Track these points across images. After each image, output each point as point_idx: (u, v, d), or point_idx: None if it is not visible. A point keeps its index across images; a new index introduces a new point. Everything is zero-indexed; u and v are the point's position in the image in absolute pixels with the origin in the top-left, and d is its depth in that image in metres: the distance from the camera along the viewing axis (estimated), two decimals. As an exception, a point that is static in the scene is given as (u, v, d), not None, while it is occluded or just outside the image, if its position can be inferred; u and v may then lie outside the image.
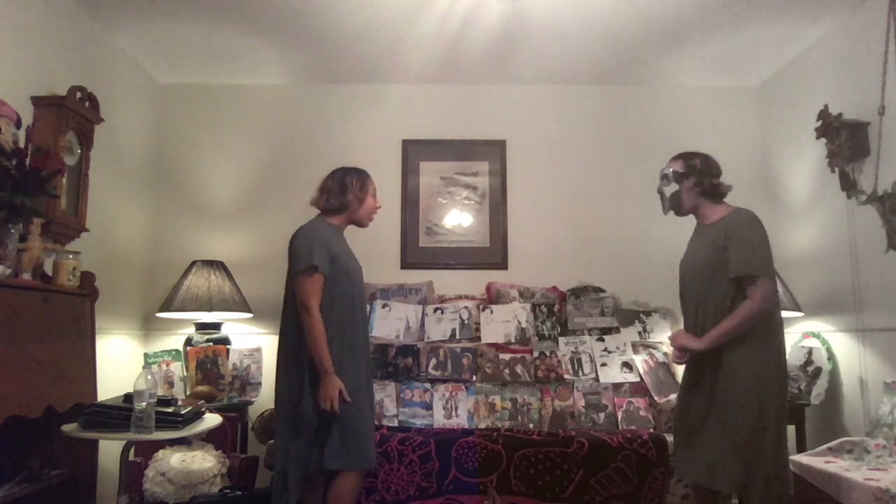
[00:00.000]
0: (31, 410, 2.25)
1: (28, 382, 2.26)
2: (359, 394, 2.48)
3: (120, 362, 3.48)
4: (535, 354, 3.40)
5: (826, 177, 3.30)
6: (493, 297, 3.72)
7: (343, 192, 2.60)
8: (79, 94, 2.93)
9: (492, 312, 3.58)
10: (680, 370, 2.71)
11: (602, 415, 3.21)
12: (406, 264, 3.97)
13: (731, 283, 2.26)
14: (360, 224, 2.70)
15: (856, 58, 3.15)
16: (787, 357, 3.39)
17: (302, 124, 4.08)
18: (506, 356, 3.39)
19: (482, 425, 3.15)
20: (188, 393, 3.36)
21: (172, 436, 2.34)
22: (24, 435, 2.48)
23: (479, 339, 3.51)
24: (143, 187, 3.86)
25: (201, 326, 3.58)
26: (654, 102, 4.10)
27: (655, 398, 3.24)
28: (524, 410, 3.22)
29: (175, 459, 2.80)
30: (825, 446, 2.67)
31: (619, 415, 3.20)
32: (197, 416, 2.45)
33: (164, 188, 4.00)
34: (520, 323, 3.53)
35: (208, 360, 3.44)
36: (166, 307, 3.51)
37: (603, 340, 3.48)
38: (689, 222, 2.56)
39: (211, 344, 3.50)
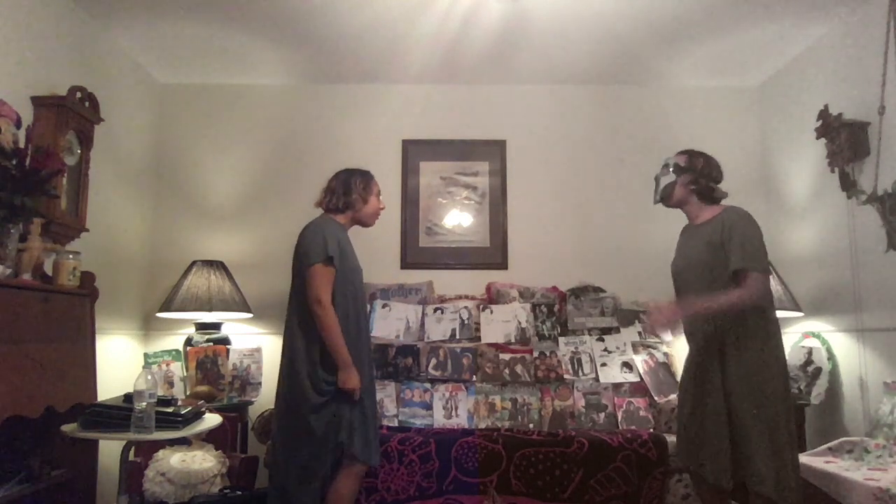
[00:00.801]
0: (31, 410, 2.25)
1: (28, 382, 2.26)
2: (368, 390, 2.49)
3: (120, 362, 3.48)
4: (535, 354, 3.41)
5: (826, 177, 3.30)
6: (493, 297, 3.72)
7: (347, 192, 2.62)
8: (79, 94, 2.93)
9: (492, 312, 3.58)
10: (680, 370, 2.70)
11: (602, 415, 3.21)
12: (406, 264, 3.97)
13: (729, 280, 2.26)
14: (365, 224, 2.72)
15: (856, 58, 3.15)
16: (787, 357, 3.40)
17: (302, 124, 4.08)
18: (506, 356, 3.39)
19: (482, 425, 3.15)
20: (188, 393, 3.36)
21: (172, 436, 2.34)
22: (24, 435, 2.49)
23: (479, 339, 3.51)
24: (143, 187, 3.86)
25: (201, 326, 3.58)
26: (654, 102, 4.10)
27: (655, 398, 3.24)
28: (524, 410, 3.22)
29: (175, 459, 2.80)
30: (825, 446, 2.68)
31: (619, 415, 3.20)
32: (197, 416, 2.45)
33: (164, 188, 4.00)
34: (520, 323, 3.53)
35: (208, 360, 3.44)
36: (166, 307, 3.51)
37: (603, 340, 3.48)
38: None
39: (211, 344, 3.50)
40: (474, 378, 3.33)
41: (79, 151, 2.99)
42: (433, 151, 4.07)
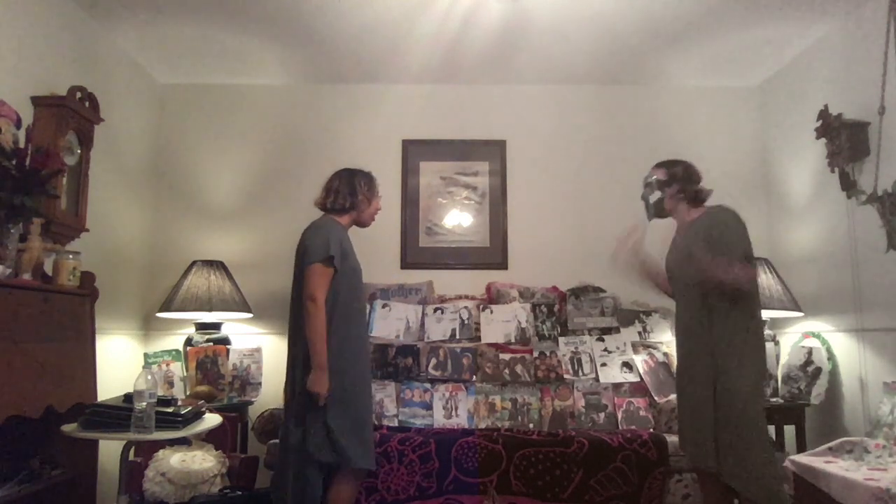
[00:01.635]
0: (31, 410, 2.25)
1: (28, 382, 2.26)
2: (364, 392, 2.49)
3: (120, 362, 3.48)
4: (535, 354, 3.40)
5: (826, 177, 3.30)
6: (493, 297, 3.72)
7: (353, 193, 2.63)
8: (79, 94, 2.93)
9: (492, 312, 3.58)
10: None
11: (602, 415, 3.21)
12: (406, 264, 3.97)
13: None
14: (363, 225, 2.73)
15: (856, 58, 3.15)
16: (788, 357, 3.41)
17: (302, 124, 4.08)
18: (506, 356, 3.39)
19: (482, 425, 3.15)
20: (188, 393, 3.36)
21: (172, 436, 2.34)
22: (24, 435, 2.49)
23: (479, 339, 3.51)
24: (143, 187, 3.86)
25: (201, 326, 3.58)
26: (654, 102, 4.10)
27: (655, 398, 3.24)
28: (524, 410, 3.22)
29: (175, 459, 2.80)
30: (825, 446, 2.67)
31: (619, 415, 3.20)
32: (197, 416, 2.45)
33: (164, 188, 3.99)
34: (520, 323, 3.53)
35: (208, 360, 3.44)
36: (166, 307, 3.51)
37: (603, 340, 3.48)
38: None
39: (211, 344, 3.50)
40: (474, 378, 3.33)
41: (79, 151, 2.99)
42: (433, 151, 4.07)
